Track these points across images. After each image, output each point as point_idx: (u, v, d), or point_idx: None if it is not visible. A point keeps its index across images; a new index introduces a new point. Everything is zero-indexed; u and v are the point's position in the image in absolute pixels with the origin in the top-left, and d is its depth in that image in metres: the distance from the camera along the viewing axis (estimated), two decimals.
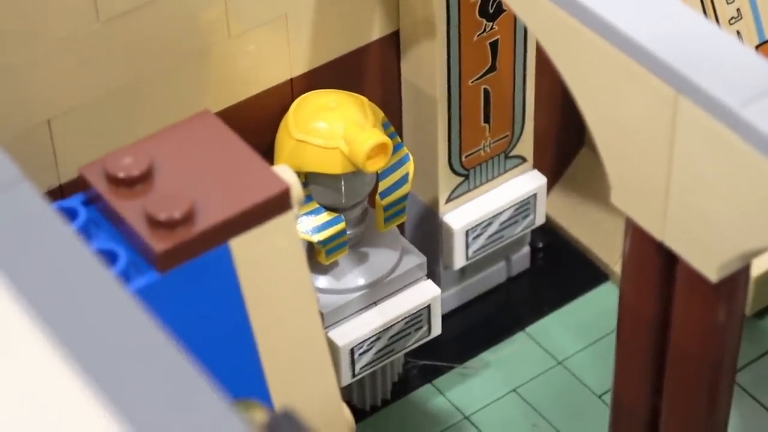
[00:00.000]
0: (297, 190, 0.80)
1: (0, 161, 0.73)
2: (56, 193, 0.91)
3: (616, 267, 1.15)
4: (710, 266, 0.80)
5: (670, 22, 0.79)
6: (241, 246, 0.78)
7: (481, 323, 1.14)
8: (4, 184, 0.71)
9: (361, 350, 1.02)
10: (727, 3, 1.07)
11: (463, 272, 1.13)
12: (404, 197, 1.00)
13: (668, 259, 0.84)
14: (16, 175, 0.72)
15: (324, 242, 0.97)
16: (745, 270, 0.83)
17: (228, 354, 0.82)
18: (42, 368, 0.63)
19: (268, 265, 0.80)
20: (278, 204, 0.79)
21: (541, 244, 1.19)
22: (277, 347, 0.83)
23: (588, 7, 0.80)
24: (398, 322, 1.03)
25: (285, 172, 0.80)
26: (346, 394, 1.06)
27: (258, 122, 0.98)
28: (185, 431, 0.61)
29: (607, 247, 1.16)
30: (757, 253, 0.79)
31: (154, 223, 0.77)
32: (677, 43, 0.77)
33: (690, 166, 0.78)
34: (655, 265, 0.85)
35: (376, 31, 1.01)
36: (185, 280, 0.78)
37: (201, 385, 0.63)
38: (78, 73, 0.89)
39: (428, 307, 1.04)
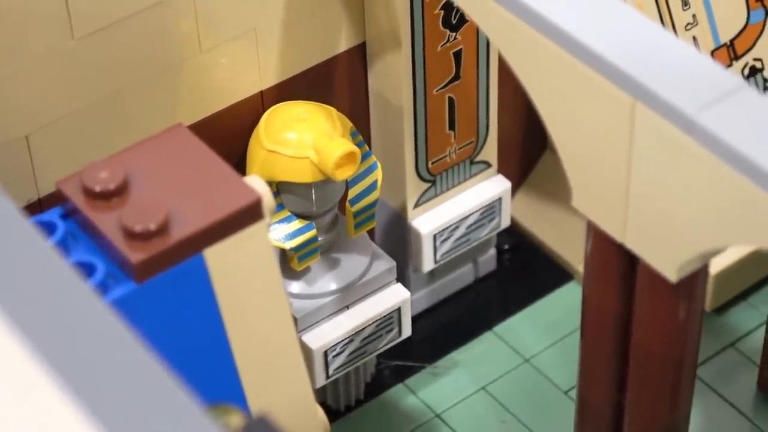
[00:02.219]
0: (268, 200, 0.80)
1: None
2: (35, 207, 0.91)
3: (579, 267, 1.15)
4: (670, 267, 0.80)
5: (626, 31, 0.79)
6: (215, 255, 0.78)
7: (450, 324, 1.14)
8: None
9: (335, 353, 1.02)
10: (683, 9, 1.07)
11: (432, 275, 1.13)
12: (374, 203, 1.00)
13: (629, 260, 0.84)
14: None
15: (296, 249, 0.97)
16: (704, 268, 0.83)
17: (205, 360, 0.81)
18: (20, 378, 0.62)
19: (241, 273, 0.80)
20: (251, 214, 0.79)
21: (506, 246, 1.19)
22: (252, 353, 0.83)
23: (546, 17, 0.80)
24: (370, 324, 1.03)
25: (256, 183, 0.80)
26: (321, 395, 1.06)
27: (230, 133, 0.98)
28: None
29: (570, 247, 1.17)
30: (716, 253, 0.79)
31: (130, 235, 0.76)
32: (634, 51, 0.77)
33: (649, 170, 0.78)
34: (616, 265, 0.85)
35: (343, 43, 1.01)
36: (162, 290, 0.78)
37: (178, 393, 0.63)
38: (54, 89, 0.89)
39: (398, 309, 1.04)
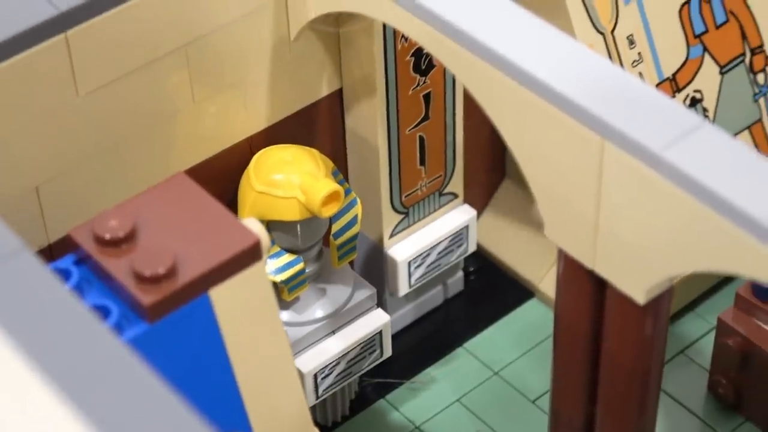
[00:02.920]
0: (265, 241, 0.79)
1: (2, 234, 0.71)
2: (46, 253, 0.89)
3: (539, 284, 1.15)
4: (638, 290, 0.80)
5: (592, 73, 0.78)
6: (219, 294, 0.77)
7: (424, 342, 1.13)
8: (7, 254, 0.70)
9: (323, 375, 1.01)
10: (630, 48, 1.06)
11: (406, 297, 1.12)
12: (355, 236, 1.00)
13: (599, 283, 0.83)
14: (18, 245, 0.70)
15: (286, 281, 0.96)
16: (669, 288, 0.82)
17: (212, 391, 0.81)
18: (46, 412, 0.62)
19: (244, 309, 0.79)
20: (251, 255, 0.78)
21: (472, 268, 1.18)
22: (255, 382, 0.82)
23: (513, 61, 0.79)
24: (354, 347, 1.02)
25: (254, 225, 0.79)
26: (311, 412, 1.04)
27: (221, 177, 0.97)
28: None
29: (530, 267, 1.16)
30: (682, 275, 0.79)
31: (140, 279, 0.76)
32: (600, 92, 0.77)
33: (617, 202, 0.77)
34: (586, 288, 0.84)
35: (323, 90, 1.00)
36: (172, 329, 0.77)
37: (192, 422, 0.63)
38: (62, 142, 0.87)
39: (380, 332, 1.03)
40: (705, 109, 1.11)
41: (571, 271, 0.84)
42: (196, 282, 0.76)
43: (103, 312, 0.76)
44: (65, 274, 0.77)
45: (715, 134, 0.74)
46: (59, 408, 0.62)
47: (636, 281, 0.80)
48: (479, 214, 1.16)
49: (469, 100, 1.01)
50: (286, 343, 0.83)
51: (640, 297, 0.80)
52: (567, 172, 0.79)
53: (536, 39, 0.81)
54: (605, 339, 0.85)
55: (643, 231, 0.77)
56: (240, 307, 0.79)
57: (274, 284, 0.96)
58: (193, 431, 0.63)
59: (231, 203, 0.97)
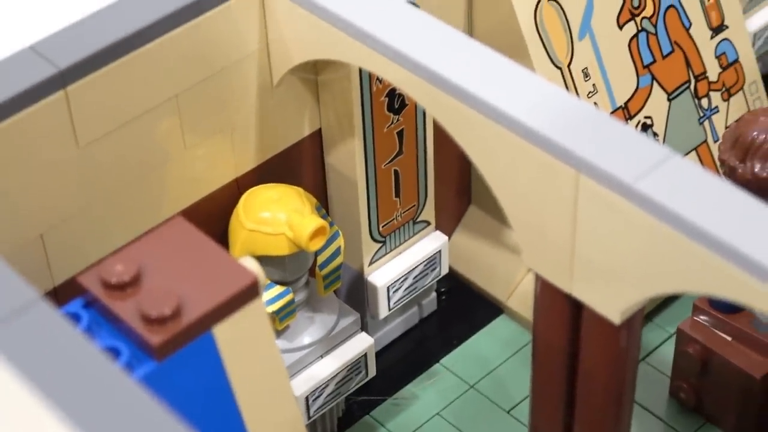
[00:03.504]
0: (261, 278, 0.78)
1: (19, 286, 0.70)
2: (51, 296, 0.87)
3: (507, 301, 1.14)
4: (614, 311, 0.79)
5: (563, 109, 0.78)
6: (222, 331, 0.76)
7: (403, 360, 1.12)
8: (25, 305, 0.69)
9: (314, 397, 0.99)
10: (585, 80, 1.06)
11: (386, 319, 1.10)
12: (339, 266, 0.99)
13: (575, 305, 0.82)
14: (33, 295, 0.69)
15: (277, 312, 0.95)
16: (642, 308, 0.81)
17: (217, 422, 0.79)
18: None
19: (245, 343, 0.78)
20: (249, 293, 0.77)
21: (443, 289, 1.16)
22: (257, 410, 0.80)
23: (487, 100, 0.78)
24: (342, 370, 1.00)
25: (250, 264, 0.78)
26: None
27: (212, 216, 0.95)
28: None
29: (498, 286, 1.15)
30: (656, 296, 0.78)
31: (147, 320, 0.75)
32: (573, 128, 0.76)
33: (593, 231, 0.76)
34: (563, 310, 0.83)
35: (305, 130, 0.99)
36: (179, 365, 0.76)
37: None
38: (63, 191, 0.86)
39: (365, 355, 1.02)
40: (655, 134, 1.11)
41: (548, 294, 0.83)
42: (200, 321, 0.74)
43: (114, 352, 0.74)
44: (76, 318, 0.76)
45: (684, 164, 0.73)
46: None
47: (612, 303, 0.78)
48: (449, 235, 1.15)
49: (437, 133, 1.01)
50: (284, 372, 0.82)
51: (616, 317, 0.79)
52: (543, 203, 0.78)
53: (506, 77, 0.80)
54: (582, 357, 0.84)
55: (618, 257, 0.76)
56: (241, 341, 0.77)
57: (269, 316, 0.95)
58: None
59: (222, 240, 0.96)
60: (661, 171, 0.73)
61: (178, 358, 0.74)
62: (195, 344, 0.75)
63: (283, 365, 0.82)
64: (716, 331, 1.01)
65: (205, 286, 0.76)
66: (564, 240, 0.78)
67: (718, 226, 0.70)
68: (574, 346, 0.84)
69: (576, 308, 0.82)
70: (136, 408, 0.63)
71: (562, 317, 0.83)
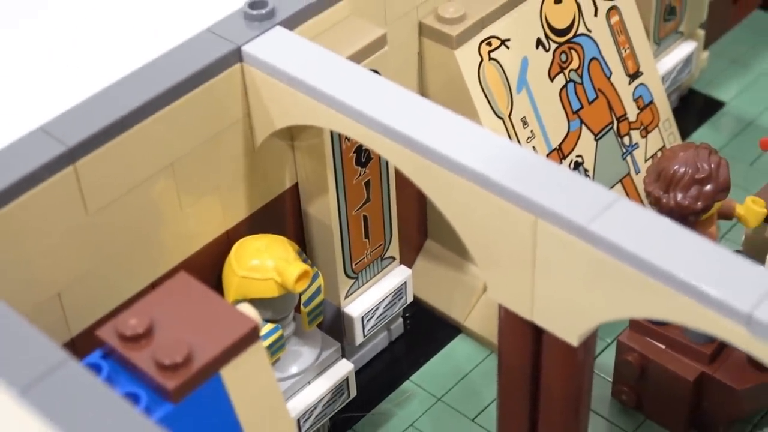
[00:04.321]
0: (259, 323, 0.77)
1: (50, 348, 0.68)
2: (69, 346, 0.85)
3: (465, 322, 1.12)
4: (572, 335, 0.78)
5: (520, 163, 0.77)
6: (229, 372, 0.75)
7: (377, 379, 1.10)
8: (56, 364, 0.67)
9: (305, 419, 0.98)
10: (524, 128, 1.05)
11: (361, 344, 1.08)
12: (321, 303, 0.97)
13: (536, 329, 0.81)
14: (62, 356, 0.68)
15: (269, 347, 0.93)
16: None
17: None
18: None
19: (249, 381, 0.76)
20: (251, 337, 0.76)
21: (408, 314, 1.14)
22: None
23: (449, 156, 0.77)
24: (327, 394, 0.99)
25: (249, 311, 0.77)
26: None
27: (207, 265, 0.94)
28: None
29: (456, 309, 1.13)
30: (608, 322, 0.77)
31: (162, 367, 0.73)
32: (529, 177, 0.75)
33: (551, 267, 0.75)
34: (525, 334, 0.82)
35: (285, 185, 0.98)
36: (193, 405, 0.74)
37: None
38: (76, 253, 0.84)
39: (347, 379, 1.00)
40: (586, 170, 1.11)
41: (511, 321, 0.82)
42: (209, 365, 0.73)
43: (134, 398, 0.73)
44: (97, 368, 0.74)
45: (628, 206, 0.72)
46: None
47: (570, 328, 0.78)
48: (411, 267, 1.13)
49: (397, 179, 1.00)
50: (283, 402, 0.80)
51: (574, 340, 0.78)
52: (504, 244, 0.77)
53: (460, 132, 0.80)
54: (543, 374, 0.83)
55: (575, 289, 0.75)
56: (246, 379, 0.75)
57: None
58: None
59: (217, 285, 0.94)
60: (610, 212, 0.72)
61: (192, 400, 0.73)
62: (206, 386, 0.73)
63: (282, 396, 0.81)
64: (652, 340, 1.00)
65: (211, 334, 0.74)
66: (525, 275, 0.77)
67: (664, 260, 0.69)
68: (536, 364, 0.83)
69: (537, 332, 0.81)
70: None
71: (524, 340, 0.82)
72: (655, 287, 0.70)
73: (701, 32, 1.32)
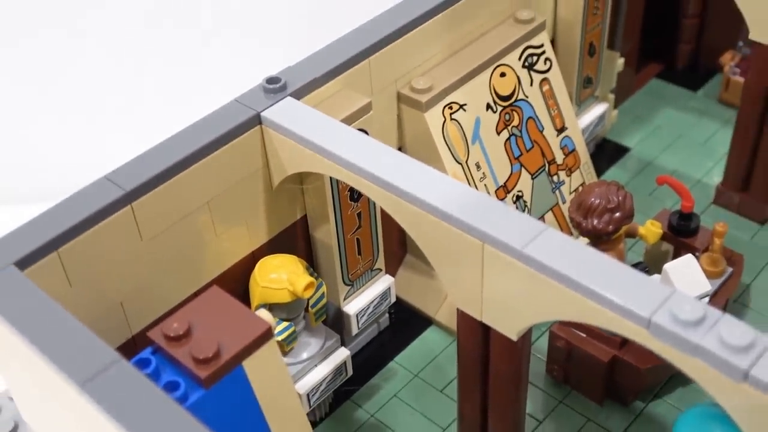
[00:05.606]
0: (273, 325, 0.73)
1: (102, 349, 0.64)
2: (130, 343, 0.81)
3: (435, 316, 1.08)
4: (512, 332, 0.74)
5: (470, 199, 0.72)
6: (249, 363, 0.71)
7: (369, 361, 1.05)
8: (109, 363, 0.63)
9: (313, 394, 0.93)
10: (477, 170, 1.01)
11: (356, 334, 1.04)
12: (325, 305, 0.93)
13: (485, 326, 0.77)
14: (115, 356, 0.63)
15: (284, 340, 0.89)
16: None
17: (251, 426, 0.74)
18: None
19: (265, 370, 0.72)
20: (266, 336, 0.72)
21: (392, 311, 1.10)
22: (274, 412, 0.75)
23: (416, 195, 0.73)
24: (330, 374, 0.94)
25: (265, 316, 0.74)
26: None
27: (237, 278, 0.89)
28: None
29: (429, 306, 1.09)
30: (539, 323, 0.73)
31: (197, 361, 0.70)
32: (477, 211, 0.71)
33: (495, 280, 0.71)
34: (477, 330, 0.78)
35: (296, 216, 0.93)
36: (221, 390, 0.71)
37: None
38: (134, 271, 0.80)
39: (345, 363, 0.96)
40: (525, 202, 1.06)
41: (466, 320, 0.78)
42: (233, 358, 0.69)
43: (175, 385, 0.69)
44: (147, 362, 0.70)
45: (554, 234, 0.68)
46: None
47: (510, 327, 0.73)
48: (394, 275, 1.09)
49: (383, 210, 0.96)
50: (292, 386, 0.76)
51: (513, 336, 0.74)
52: (459, 263, 0.73)
53: (426, 178, 0.75)
54: (491, 361, 0.79)
55: (513, 297, 0.71)
56: (262, 369, 0.72)
57: (278, 343, 0.89)
58: None
59: (244, 293, 0.90)
60: (540, 239, 0.68)
61: (220, 386, 0.70)
62: (231, 375, 0.70)
63: (291, 381, 0.77)
64: (575, 330, 0.96)
65: (236, 334, 0.71)
66: (475, 287, 0.73)
67: (582, 275, 0.65)
68: (485, 353, 0.79)
69: (486, 329, 0.77)
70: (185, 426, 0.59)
71: (476, 335, 0.78)
72: (575, 297, 0.66)
73: (612, 96, 1.28)
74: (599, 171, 1.26)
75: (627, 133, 1.34)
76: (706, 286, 0.92)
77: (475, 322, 0.77)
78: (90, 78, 1.34)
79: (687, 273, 0.92)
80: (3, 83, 1.33)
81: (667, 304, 0.62)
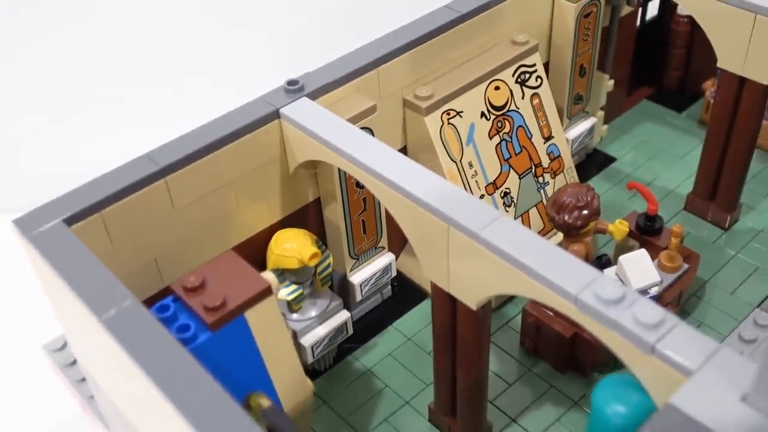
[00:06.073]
0: (275, 284, 0.76)
1: (119, 291, 0.67)
2: (162, 293, 0.84)
3: (429, 290, 1.10)
4: (472, 303, 0.75)
5: (441, 189, 0.74)
6: (251, 314, 0.74)
7: (371, 325, 1.07)
8: (124, 305, 0.66)
9: (317, 346, 0.96)
10: (470, 168, 1.03)
11: (361, 301, 1.07)
12: (330, 274, 0.95)
13: (452, 297, 0.79)
14: (130, 299, 0.67)
15: (294, 300, 0.91)
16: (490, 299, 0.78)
17: (250, 366, 0.76)
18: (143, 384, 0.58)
19: (264, 321, 0.75)
20: (266, 292, 0.75)
21: (395, 284, 1.12)
22: (273, 359, 0.77)
23: (402, 186, 0.75)
24: (333, 331, 0.97)
25: (269, 276, 0.76)
26: (312, 365, 1.00)
27: (256, 246, 0.92)
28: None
29: (425, 281, 1.11)
30: (495, 295, 0.74)
31: (206, 308, 0.73)
32: (448, 201, 0.73)
33: (458, 258, 0.73)
34: (446, 299, 0.80)
35: (309, 198, 0.96)
36: (225, 334, 0.73)
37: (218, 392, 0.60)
38: (167, 234, 0.83)
39: (346, 322, 0.98)
40: (512, 198, 1.08)
41: (438, 291, 0.80)
42: (236, 309, 0.72)
43: (187, 327, 0.72)
44: (166, 307, 0.73)
45: (506, 222, 0.70)
46: (145, 377, 0.60)
47: (471, 298, 0.75)
48: (398, 255, 1.11)
49: None
50: (288, 337, 0.79)
51: (473, 305, 0.76)
52: (431, 242, 0.75)
53: (415, 174, 0.77)
54: (458, 325, 0.81)
55: (472, 273, 0.73)
56: (262, 320, 0.74)
57: (288, 302, 0.92)
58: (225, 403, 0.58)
59: (262, 260, 0.92)
60: (494, 225, 0.70)
61: (224, 331, 0.72)
62: (234, 322, 0.73)
63: (288, 332, 0.79)
64: (544, 309, 0.98)
65: (240, 289, 0.73)
66: (443, 263, 0.75)
67: (526, 256, 0.67)
68: (454, 320, 0.81)
69: (453, 299, 0.79)
70: (184, 363, 0.61)
71: (445, 304, 0.80)
72: (519, 275, 0.67)
73: (601, 112, 1.28)
74: (588, 177, 1.26)
75: (615, 145, 1.34)
76: (655, 276, 0.92)
77: (444, 293, 0.79)
78: (143, 77, 1.41)
79: (639, 264, 0.92)
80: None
81: (592, 285, 0.64)
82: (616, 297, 0.62)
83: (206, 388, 0.58)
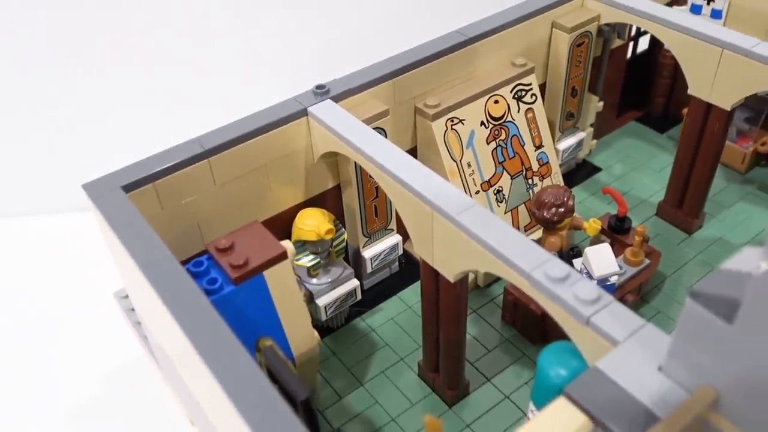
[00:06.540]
0: (291, 251, 0.79)
1: (159, 246, 0.70)
2: (202, 252, 0.88)
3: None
4: (450, 276, 0.78)
5: (431, 183, 0.77)
6: (269, 273, 0.77)
7: (379, 294, 1.10)
8: (161, 258, 0.69)
9: (330, 307, 0.99)
10: (468, 168, 1.05)
11: (371, 273, 1.10)
12: (344, 248, 0.99)
13: (436, 271, 0.81)
14: (167, 253, 0.70)
15: (312, 267, 0.95)
16: (466, 275, 0.80)
17: (266, 318, 0.80)
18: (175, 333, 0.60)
19: (280, 281, 0.79)
20: (282, 256, 0.78)
21: (404, 261, 1.15)
22: (286, 313, 0.81)
23: (404, 179, 0.78)
24: (344, 295, 1.00)
25: (287, 245, 0.79)
26: (325, 323, 1.03)
27: (283, 221, 0.96)
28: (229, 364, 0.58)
29: None
30: (470, 271, 0.77)
31: (232, 266, 0.76)
32: (436, 190, 0.76)
33: (440, 238, 0.76)
34: (431, 273, 0.82)
35: (330, 184, 0.99)
36: (246, 288, 0.77)
37: (230, 336, 0.62)
38: (209, 204, 0.87)
39: (355, 288, 1.01)
40: (504, 195, 1.10)
41: (425, 266, 0.82)
42: (257, 268, 0.76)
43: (215, 281, 0.76)
44: (201, 263, 0.77)
45: (480, 210, 0.73)
46: (174, 321, 0.62)
47: (449, 272, 0.78)
48: (406, 238, 1.14)
49: None
50: (300, 294, 0.82)
51: (451, 278, 0.78)
52: (420, 223, 0.78)
53: (416, 171, 0.80)
54: (440, 296, 0.84)
55: (450, 250, 0.75)
56: (278, 279, 0.78)
57: (307, 268, 0.95)
58: (225, 335, 0.61)
59: (287, 232, 0.96)
60: (470, 211, 0.72)
61: (246, 285, 0.76)
62: (254, 279, 0.76)
63: (300, 292, 0.82)
64: (521, 290, 0.99)
65: (261, 252, 0.77)
66: (428, 240, 0.78)
67: (492, 239, 0.70)
68: (437, 290, 0.84)
69: (436, 272, 0.82)
70: (205, 311, 0.64)
71: (431, 276, 0.83)
72: (486, 254, 0.70)
73: (590, 129, 1.29)
74: (575, 183, 1.27)
75: (602, 156, 1.35)
76: (615, 267, 0.94)
77: (430, 268, 0.81)
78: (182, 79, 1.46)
79: (602, 256, 0.94)
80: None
81: (543, 266, 0.66)
82: (561, 276, 0.65)
83: (217, 328, 0.62)
